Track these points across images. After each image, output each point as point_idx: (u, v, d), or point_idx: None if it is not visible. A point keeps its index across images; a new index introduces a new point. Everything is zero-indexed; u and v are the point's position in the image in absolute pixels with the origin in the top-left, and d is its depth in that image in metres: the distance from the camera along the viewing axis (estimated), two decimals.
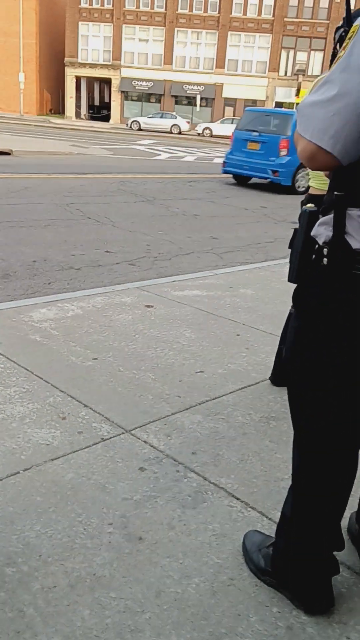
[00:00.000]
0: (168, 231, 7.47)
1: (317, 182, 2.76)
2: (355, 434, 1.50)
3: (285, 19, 40.48)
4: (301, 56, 41.33)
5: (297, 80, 40.28)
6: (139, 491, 2.05)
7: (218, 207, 9.88)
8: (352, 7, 1.31)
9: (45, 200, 8.83)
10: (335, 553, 1.60)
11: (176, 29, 41.98)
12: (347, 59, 1.15)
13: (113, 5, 41.84)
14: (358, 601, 1.63)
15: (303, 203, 2.74)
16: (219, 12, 41.08)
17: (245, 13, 40.98)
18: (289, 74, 41.26)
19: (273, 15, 40.63)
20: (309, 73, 40.66)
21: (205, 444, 2.39)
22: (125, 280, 5.03)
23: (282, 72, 41.29)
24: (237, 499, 2.05)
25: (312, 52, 40.92)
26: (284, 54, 41.18)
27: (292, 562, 1.58)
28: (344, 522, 1.74)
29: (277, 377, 2.97)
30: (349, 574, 1.72)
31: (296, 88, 40.49)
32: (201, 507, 1.99)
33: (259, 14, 40.90)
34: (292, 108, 41.16)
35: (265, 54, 41.48)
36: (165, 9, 41.51)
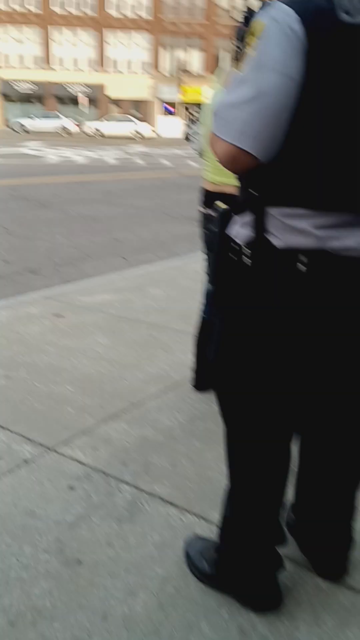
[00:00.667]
0: (68, 236, 7.30)
1: (219, 176, 2.57)
2: (286, 428, 1.52)
3: (163, 18, 40.88)
4: (181, 54, 41.95)
5: (179, 78, 40.91)
6: (71, 512, 1.97)
7: (116, 207, 9.80)
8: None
9: None
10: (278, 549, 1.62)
11: (52, 28, 41.18)
12: (259, 58, 1.14)
13: None
14: (302, 591, 1.66)
15: (203, 202, 2.66)
16: (94, 11, 40.75)
17: (123, 12, 40.95)
18: (171, 72, 41.75)
19: (151, 15, 40.91)
20: (190, 70, 41.37)
21: (134, 453, 2.35)
22: (29, 290, 4.85)
23: (164, 71, 41.70)
24: (174, 505, 2.02)
25: (192, 50, 41.65)
26: (164, 52, 41.60)
27: (236, 562, 1.57)
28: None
29: (200, 382, 2.94)
30: (291, 565, 1.74)
31: (179, 86, 41.15)
32: (138, 519, 1.94)
33: (137, 13, 41.03)
34: (178, 106, 41.75)
35: (146, 53, 41.69)
36: (39, 9, 40.57)
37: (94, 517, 1.95)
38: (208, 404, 2.75)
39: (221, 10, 40.35)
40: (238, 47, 1.26)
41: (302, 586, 1.67)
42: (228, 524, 1.60)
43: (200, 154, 2.73)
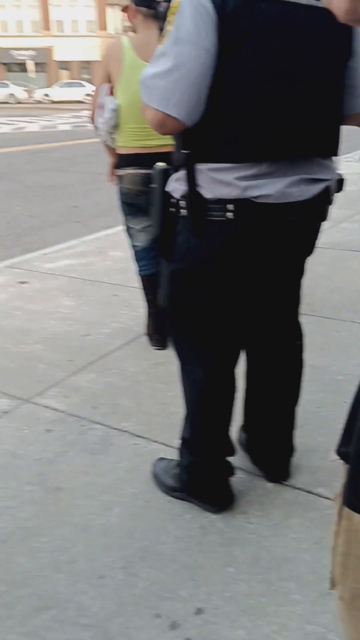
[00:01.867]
0: (26, 206, 7.36)
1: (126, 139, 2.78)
2: (233, 358, 1.77)
3: None
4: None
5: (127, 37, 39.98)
6: (49, 450, 2.21)
7: (72, 175, 9.81)
8: None
9: None
10: (230, 459, 1.88)
11: None
12: (176, 33, 1.33)
13: None
14: (253, 493, 1.94)
15: (136, 164, 2.77)
16: None
17: None
18: (118, 31, 40.71)
19: None
20: None
21: (103, 397, 2.58)
22: None
23: (111, 30, 40.64)
24: (140, 437, 2.27)
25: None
26: (109, 11, 40.46)
27: (195, 472, 1.83)
28: (234, 436, 2.03)
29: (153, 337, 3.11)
30: (243, 474, 2.02)
31: None
32: (110, 451, 2.19)
33: None
34: None
35: (91, 13, 40.46)
36: None
37: (70, 452, 2.18)
38: (169, 351, 2.99)
39: None
40: (161, 25, 1.44)
41: (253, 490, 1.95)
42: (186, 443, 1.85)
43: (110, 132, 2.83)
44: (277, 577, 1.60)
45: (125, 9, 2.84)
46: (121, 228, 5.81)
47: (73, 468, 2.09)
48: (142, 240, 3.00)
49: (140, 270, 3.07)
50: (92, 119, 2.88)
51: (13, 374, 2.82)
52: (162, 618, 1.48)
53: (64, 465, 2.11)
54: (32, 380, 2.76)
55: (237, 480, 1.97)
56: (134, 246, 3.05)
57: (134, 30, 2.83)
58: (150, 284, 3.02)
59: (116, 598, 1.55)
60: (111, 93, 2.76)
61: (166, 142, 2.63)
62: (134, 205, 2.89)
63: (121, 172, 2.85)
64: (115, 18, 40.51)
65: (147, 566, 1.65)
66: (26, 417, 2.44)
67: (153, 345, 3.10)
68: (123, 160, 2.83)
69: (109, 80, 2.76)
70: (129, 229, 3.02)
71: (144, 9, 2.71)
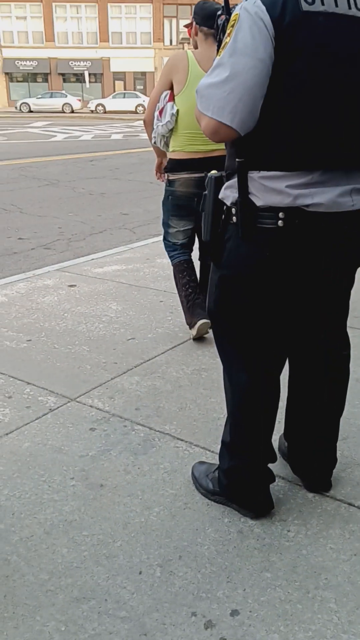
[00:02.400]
0: (78, 212, 7.54)
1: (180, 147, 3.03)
2: (277, 364, 1.78)
3: None
4: (183, 24, 41.38)
5: (183, 49, 40.43)
6: (93, 448, 2.26)
7: (123, 183, 10.00)
8: None
9: None
10: (270, 466, 1.89)
11: (54, 4, 40.73)
12: (233, 44, 1.38)
13: None
14: (293, 502, 1.94)
15: (191, 169, 3.03)
16: None
17: None
18: (174, 43, 41.24)
19: None
20: None
21: (146, 400, 2.63)
22: (43, 265, 5.11)
23: (167, 42, 41.22)
24: (182, 440, 2.30)
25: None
26: (166, 23, 41.07)
27: (235, 477, 1.85)
28: (275, 444, 2.04)
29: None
30: (283, 482, 2.02)
31: None
32: (151, 452, 2.23)
33: None
34: None
35: (148, 25, 41.18)
36: None
37: (113, 451, 2.23)
38: (213, 358, 3.02)
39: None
40: (220, 37, 1.49)
41: (293, 499, 1.95)
42: (227, 446, 1.87)
43: (166, 135, 3.08)
44: (315, 586, 1.60)
45: (188, 26, 3.06)
46: None
47: (115, 466, 2.14)
48: (180, 238, 3.28)
49: (174, 258, 3.32)
50: (146, 120, 3.10)
51: (60, 373, 2.91)
52: (197, 616, 1.51)
53: (107, 463, 2.16)
54: (78, 380, 2.83)
55: (277, 487, 1.98)
56: (169, 241, 3.32)
57: (195, 46, 3.02)
58: (186, 266, 3.28)
59: (153, 594, 1.58)
60: (170, 99, 2.94)
61: (217, 147, 2.90)
62: (182, 207, 3.12)
63: (174, 176, 3.06)
64: (172, 30, 41.11)
65: (184, 565, 1.68)
66: (72, 415, 2.51)
67: (202, 319, 3.13)
68: (177, 165, 3.05)
69: (169, 87, 2.95)
70: (169, 227, 3.27)
71: (205, 28, 2.95)
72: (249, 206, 1.54)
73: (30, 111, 35.67)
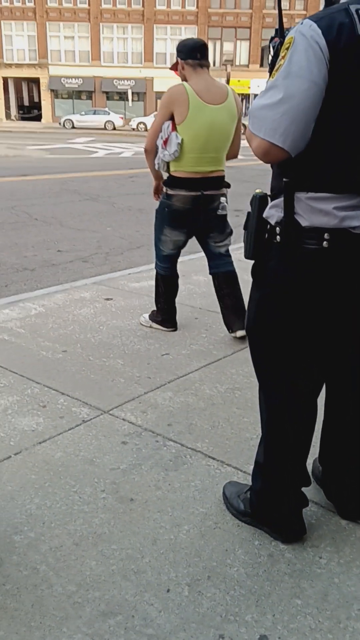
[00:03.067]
0: (116, 227, 7.63)
1: (222, 166, 3.38)
2: (314, 386, 1.76)
3: (209, 10, 40.90)
4: (228, 46, 41.89)
5: (226, 70, 40.87)
6: (124, 461, 2.26)
7: None
8: (283, 19, 1.55)
9: None
10: (304, 490, 1.86)
11: (101, 24, 41.75)
12: (288, 67, 1.39)
13: (35, 3, 41.17)
14: (326, 529, 1.90)
15: (214, 185, 3.37)
16: (143, 6, 41.08)
17: (169, 6, 41.16)
18: (217, 64, 41.70)
19: (197, 7, 40.98)
20: (237, 63, 41.29)
21: (178, 416, 2.62)
22: (81, 277, 5.18)
23: (210, 63, 41.73)
24: (213, 458, 2.28)
25: (238, 42, 41.55)
26: (210, 44, 41.36)
27: (268, 499, 1.82)
28: (309, 467, 2.01)
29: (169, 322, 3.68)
30: (316, 508, 1.99)
31: (226, 78, 41.14)
32: (182, 469, 2.21)
33: (183, 6, 41.17)
34: None
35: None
36: (89, 5, 41.18)
37: (144, 466, 2.23)
38: (246, 377, 3.00)
39: (267, 0, 40.05)
40: (274, 59, 1.50)
41: (325, 525, 1.91)
42: (260, 467, 1.85)
43: (167, 161, 3.36)
44: (346, 616, 1.56)
45: (173, 67, 3.38)
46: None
47: (146, 481, 2.14)
48: (170, 247, 3.56)
49: (162, 270, 3.65)
50: (147, 149, 3.39)
51: (94, 385, 2.92)
52: (225, 639, 1.48)
53: (138, 478, 2.16)
54: (112, 393, 2.85)
55: (310, 512, 1.94)
56: (161, 249, 3.62)
57: (186, 80, 3.29)
58: (169, 282, 3.66)
59: (181, 613, 1.56)
60: (173, 129, 3.21)
61: (216, 168, 3.33)
62: (176, 219, 3.44)
63: (172, 191, 3.37)
64: (215, 52, 41.63)
65: (213, 586, 1.65)
66: (104, 427, 2.52)
67: (167, 328, 3.66)
68: (177, 182, 3.34)
69: (170, 118, 3.23)
70: (161, 234, 3.56)
71: (191, 61, 3.25)
72: (294, 226, 1.54)
73: (74, 127, 36.46)
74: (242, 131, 3.18)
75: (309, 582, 1.67)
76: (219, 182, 3.40)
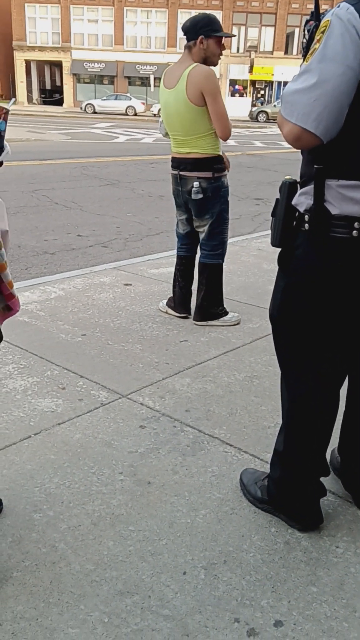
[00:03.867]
0: (136, 213, 7.63)
1: (200, 148, 3.33)
2: (337, 377, 1.75)
3: None
4: (252, 32, 41.35)
5: (250, 56, 40.40)
6: (142, 445, 2.28)
7: None
8: (319, 3, 1.52)
9: (11, 188, 8.85)
10: (322, 480, 1.86)
11: (125, 9, 41.41)
12: (323, 51, 1.36)
13: None
14: (343, 518, 1.90)
15: (186, 167, 3.38)
16: None
17: None
18: (241, 50, 41.27)
19: None
20: (261, 49, 40.79)
21: (196, 402, 2.63)
22: (100, 262, 5.20)
23: (234, 49, 41.24)
24: (231, 445, 2.29)
25: (263, 28, 40.99)
26: (235, 30, 41.05)
27: (286, 488, 1.83)
28: (327, 457, 2.00)
29: (178, 308, 3.70)
30: (333, 498, 1.99)
31: (249, 65, 40.68)
32: (199, 454, 2.22)
33: None
34: (246, 85, 41.28)
35: (183, 38, 41.28)
36: None
37: (161, 450, 2.24)
38: (265, 366, 2.99)
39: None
40: (308, 43, 1.47)
41: (343, 515, 1.91)
42: (279, 456, 1.85)
43: (166, 134, 3.59)
44: None
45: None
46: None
47: (163, 465, 2.15)
48: (181, 227, 3.65)
49: (177, 250, 3.72)
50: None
51: (113, 369, 2.94)
52: (240, 623, 1.49)
53: (155, 461, 2.17)
54: (130, 377, 2.86)
55: (327, 502, 1.94)
56: (176, 228, 3.72)
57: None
58: (184, 263, 3.68)
59: (197, 595, 1.57)
60: None
61: (190, 150, 3.34)
62: (174, 197, 3.57)
63: (174, 172, 3.49)
64: (240, 38, 41.13)
65: (229, 570, 1.67)
66: (123, 411, 2.53)
67: (178, 313, 3.67)
68: (176, 163, 3.46)
69: None
70: (175, 213, 3.68)
71: (187, 42, 3.24)
72: (323, 214, 1.53)
73: (95, 112, 36.33)
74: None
75: (325, 571, 1.68)
76: (193, 165, 3.34)
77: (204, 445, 2.29)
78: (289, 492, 1.83)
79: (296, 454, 1.80)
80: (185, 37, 3.23)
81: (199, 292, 3.60)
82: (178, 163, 3.43)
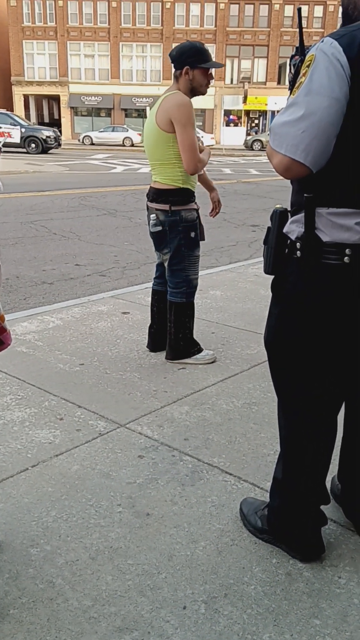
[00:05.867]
0: (133, 241, 7.68)
1: (161, 177, 3.21)
2: (334, 403, 1.74)
3: (228, 29, 41.34)
4: (245, 64, 42.24)
5: (244, 87, 41.18)
6: (140, 475, 2.25)
7: None
8: (304, 38, 1.56)
9: (9, 219, 8.93)
10: (322, 508, 1.83)
11: (121, 43, 42.38)
12: (309, 84, 1.39)
13: (56, 23, 41.97)
14: (345, 548, 1.87)
15: (148, 197, 3.29)
16: (162, 25, 41.67)
17: (188, 25, 41.69)
18: (235, 82, 42.09)
19: (215, 26, 41.45)
20: (254, 80, 41.61)
21: (195, 431, 2.61)
22: (98, 291, 5.21)
23: (228, 81, 42.08)
24: (230, 474, 2.27)
25: (256, 60, 41.89)
26: (228, 62, 41.99)
27: (286, 517, 1.80)
28: (328, 485, 1.98)
29: (154, 344, 3.58)
30: (335, 526, 1.96)
31: (243, 95, 41.43)
32: (199, 484, 2.20)
33: (202, 25, 41.67)
34: (241, 114, 41.97)
35: (171, 66, 42.16)
36: (109, 24, 41.87)
37: (160, 480, 2.22)
38: (264, 393, 2.98)
39: (285, 18, 40.42)
40: (294, 77, 1.51)
41: (345, 544, 1.88)
42: (278, 484, 1.83)
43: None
44: None
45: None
46: (223, 269, 5.96)
47: (162, 496, 2.12)
48: (157, 256, 3.52)
49: (153, 284, 3.65)
50: None
51: (111, 398, 2.93)
52: None
53: (154, 492, 2.14)
54: (129, 406, 2.84)
55: (328, 531, 1.92)
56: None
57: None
58: (156, 299, 3.58)
59: (198, 631, 1.54)
60: None
61: (155, 179, 3.25)
62: None
63: (151, 204, 3.32)
64: (233, 69, 42.00)
65: (229, 604, 1.63)
66: (120, 440, 2.51)
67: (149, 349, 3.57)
68: (154, 194, 3.28)
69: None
70: None
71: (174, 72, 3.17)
72: (315, 241, 1.54)
73: (92, 144, 36.87)
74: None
75: (327, 602, 1.64)
76: (153, 195, 3.24)
77: (203, 474, 2.27)
78: (289, 521, 1.81)
79: (295, 482, 1.78)
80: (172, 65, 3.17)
81: (168, 330, 3.41)
82: (148, 191, 3.32)
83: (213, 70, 3.20)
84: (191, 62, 3.08)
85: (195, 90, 3.17)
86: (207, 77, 3.16)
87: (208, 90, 3.29)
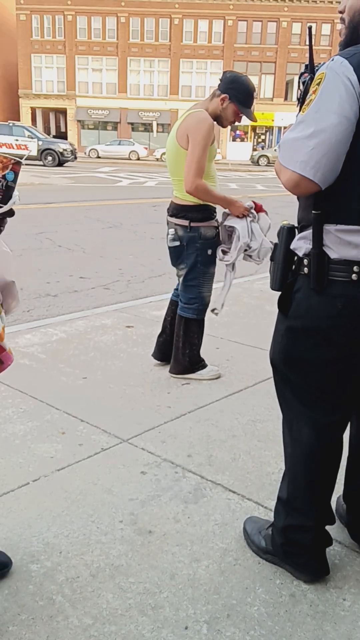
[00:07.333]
0: (138, 255, 7.69)
1: (181, 193, 3.18)
2: (339, 420, 1.73)
3: (235, 45, 41.76)
4: (253, 80, 41.83)
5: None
6: (143, 492, 2.23)
7: None
8: (313, 56, 1.56)
9: (14, 231, 8.96)
10: (327, 528, 1.81)
11: (129, 58, 42.83)
12: (318, 102, 1.40)
13: (65, 37, 42.48)
14: (350, 569, 1.84)
15: (169, 211, 3.30)
16: (170, 41, 42.12)
17: (195, 41, 42.13)
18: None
19: (223, 42, 41.88)
20: (262, 96, 41.90)
21: (198, 447, 2.59)
22: (102, 304, 5.21)
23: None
24: (234, 492, 2.24)
25: (263, 76, 42.24)
26: None
27: (291, 538, 1.78)
28: (333, 505, 1.95)
29: (160, 354, 3.58)
30: (339, 547, 1.93)
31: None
32: (202, 502, 2.18)
33: (209, 41, 42.11)
34: (247, 130, 42.27)
35: (216, 80, 42.56)
36: (117, 39, 42.35)
37: (163, 497, 2.20)
38: (268, 410, 2.96)
39: (292, 35, 40.83)
40: (303, 94, 1.52)
41: (350, 565, 1.85)
42: (283, 504, 1.81)
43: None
44: None
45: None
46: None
47: (165, 513, 2.10)
48: (177, 271, 3.42)
49: (172, 294, 3.62)
50: None
51: (114, 413, 2.91)
52: None
53: (156, 509, 2.12)
54: (132, 421, 2.83)
55: (333, 552, 1.89)
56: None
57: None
58: (172, 309, 3.55)
59: None
60: None
61: (175, 194, 3.25)
62: None
63: (171, 219, 3.31)
64: None
65: (232, 625, 1.60)
66: (123, 456, 2.49)
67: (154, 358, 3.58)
68: (175, 210, 3.27)
69: None
70: None
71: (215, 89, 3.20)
72: (322, 258, 1.53)
73: (99, 157, 37.14)
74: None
75: (332, 625, 1.61)
76: (173, 211, 3.25)
77: (207, 492, 2.24)
78: (293, 541, 1.78)
79: (300, 501, 1.76)
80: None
81: (175, 343, 3.38)
82: (169, 206, 3.33)
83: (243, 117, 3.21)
84: (233, 95, 3.12)
85: (220, 118, 3.17)
86: (236, 117, 3.19)
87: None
